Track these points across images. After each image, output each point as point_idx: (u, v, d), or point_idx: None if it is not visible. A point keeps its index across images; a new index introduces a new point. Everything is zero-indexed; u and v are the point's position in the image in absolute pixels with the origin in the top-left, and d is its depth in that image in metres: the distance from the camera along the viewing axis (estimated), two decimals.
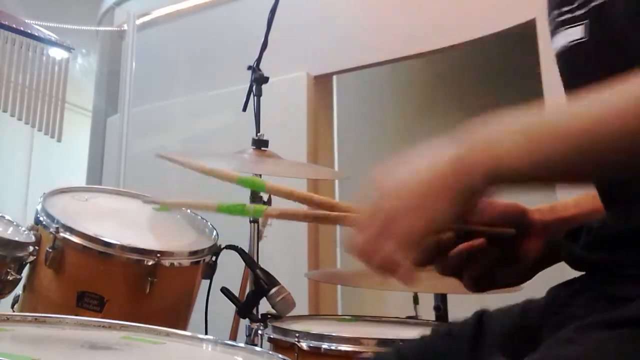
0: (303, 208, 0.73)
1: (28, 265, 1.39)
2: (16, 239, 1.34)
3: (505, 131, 0.59)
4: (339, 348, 1.14)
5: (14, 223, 1.44)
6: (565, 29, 0.68)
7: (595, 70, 0.67)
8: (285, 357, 0.77)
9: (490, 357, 0.69)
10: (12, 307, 1.45)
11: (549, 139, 0.57)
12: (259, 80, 1.73)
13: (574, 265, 0.66)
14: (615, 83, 0.53)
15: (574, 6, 0.67)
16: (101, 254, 1.35)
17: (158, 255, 1.36)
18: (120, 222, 1.54)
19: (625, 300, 0.54)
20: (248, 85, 1.75)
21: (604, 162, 0.55)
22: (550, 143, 0.56)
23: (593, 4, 0.64)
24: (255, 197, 1.59)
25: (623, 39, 0.62)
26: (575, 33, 0.67)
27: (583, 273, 0.66)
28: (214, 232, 1.57)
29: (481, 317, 0.75)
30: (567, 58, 0.70)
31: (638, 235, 0.58)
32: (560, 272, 0.72)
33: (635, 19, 0.60)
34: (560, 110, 0.61)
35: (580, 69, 0.69)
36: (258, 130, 1.67)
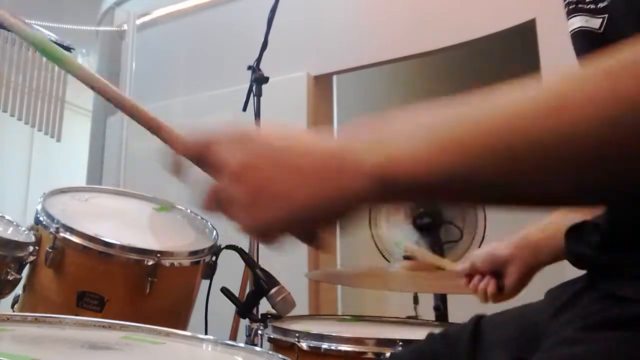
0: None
1: (28, 265, 1.39)
2: (16, 239, 1.34)
3: (407, 127, 0.48)
4: (339, 348, 1.13)
5: (14, 223, 1.44)
6: (584, 15, 0.66)
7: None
8: (285, 357, 0.77)
9: (493, 355, 0.69)
10: (12, 307, 1.45)
11: (462, 137, 0.44)
12: (259, 80, 1.73)
13: (578, 264, 0.66)
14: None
15: None
16: (101, 254, 1.35)
17: (158, 255, 1.36)
18: (120, 222, 1.54)
19: (632, 301, 0.54)
20: (248, 85, 1.75)
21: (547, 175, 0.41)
22: (462, 144, 0.43)
23: None
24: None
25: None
26: (594, 23, 0.65)
27: (585, 272, 0.65)
28: (214, 232, 1.57)
29: (478, 321, 0.75)
30: (579, 40, 0.68)
31: None
32: (561, 273, 0.72)
33: None
34: (486, 102, 0.45)
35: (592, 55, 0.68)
36: None
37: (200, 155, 0.55)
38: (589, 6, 0.64)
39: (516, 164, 0.41)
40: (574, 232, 0.67)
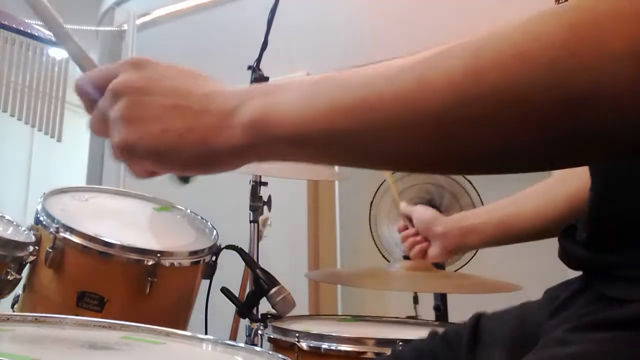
0: None
1: (28, 265, 1.39)
2: (16, 239, 1.34)
3: (289, 82, 0.48)
4: (339, 348, 1.13)
5: (14, 223, 1.44)
6: None
7: None
8: (285, 357, 0.77)
9: (488, 355, 0.69)
10: (12, 307, 1.45)
11: (330, 88, 0.45)
12: (259, 80, 1.73)
13: (571, 265, 0.66)
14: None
15: None
16: (101, 254, 1.35)
17: (158, 255, 1.36)
18: (120, 222, 1.54)
19: (624, 302, 0.54)
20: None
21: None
22: (330, 93, 0.45)
23: None
24: (255, 198, 1.59)
25: None
26: None
27: (581, 273, 0.65)
28: (214, 232, 1.57)
29: (478, 320, 0.75)
30: None
31: (638, 236, 0.57)
32: (561, 272, 0.72)
33: None
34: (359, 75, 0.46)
35: None
36: None
37: (101, 82, 0.55)
38: None
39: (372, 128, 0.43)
40: (568, 231, 0.67)
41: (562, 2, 0.58)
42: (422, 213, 1.22)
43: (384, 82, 0.43)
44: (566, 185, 0.90)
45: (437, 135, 0.41)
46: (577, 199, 0.84)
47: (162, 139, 0.49)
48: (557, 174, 0.97)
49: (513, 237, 1.03)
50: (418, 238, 1.20)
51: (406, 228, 1.25)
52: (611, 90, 0.36)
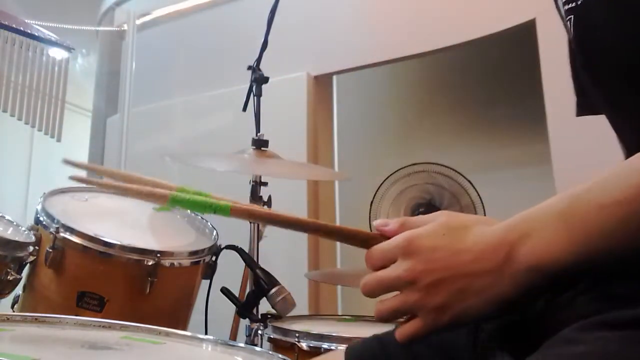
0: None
1: (28, 265, 1.39)
2: (16, 239, 1.34)
3: (543, 218, 0.54)
4: (339, 348, 1.13)
5: (14, 223, 1.44)
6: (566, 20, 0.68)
7: (581, 68, 0.68)
8: (285, 357, 0.77)
9: (492, 354, 0.69)
10: (12, 307, 1.45)
11: (590, 217, 0.51)
12: (259, 80, 1.73)
13: None
14: None
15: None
16: (101, 254, 1.35)
17: (158, 255, 1.36)
18: (120, 222, 1.54)
19: (630, 300, 0.54)
20: (248, 85, 1.75)
21: None
22: (593, 222, 0.51)
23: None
24: (255, 198, 1.59)
25: (600, 40, 0.62)
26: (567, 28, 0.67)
27: None
28: (214, 232, 1.57)
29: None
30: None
31: None
32: None
33: (611, 20, 0.60)
34: (600, 181, 0.53)
35: (574, 64, 0.70)
36: (258, 130, 1.67)
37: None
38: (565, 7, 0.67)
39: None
40: None
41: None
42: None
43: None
44: None
45: None
46: None
47: (468, 312, 0.56)
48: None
49: None
50: None
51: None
52: None
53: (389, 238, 0.61)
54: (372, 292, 0.61)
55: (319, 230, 0.67)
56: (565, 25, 0.69)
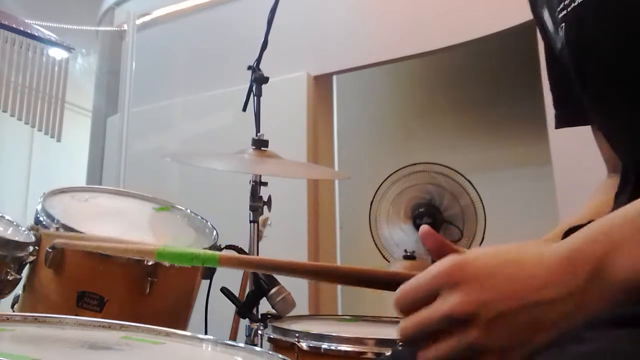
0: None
1: (28, 265, 1.39)
2: (16, 239, 1.34)
3: (626, 231, 0.48)
4: (339, 348, 1.13)
5: (14, 223, 1.44)
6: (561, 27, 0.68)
7: (575, 74, 0.68)
8: (285, 357, 0.77)
9: None
10: (12, 307, 1.45)
11: None
12: (259, 80, 1.72)
13: None
14: None
15: (559, 7, 0.67)
16: (101, 254, 1.35)
17: None
18: (120, 222, 1.54)
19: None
20: (248, 85, 1.75)
21: None
22: None
23: (573, 5, 0.65)
24: (255, 198, 1.59)
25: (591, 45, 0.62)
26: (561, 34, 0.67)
27: None
28: (214, 232, 1.57)
29: None
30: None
31: None
32: None
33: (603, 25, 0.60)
34: None
35: (569, 68, 0.70)
36: (258, 130, 1.67)
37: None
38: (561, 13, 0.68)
39: None
40: (573, 232, 0.67)
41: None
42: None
43: None
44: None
45: None
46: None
47: (535, 343, 0.49)
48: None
49: None
50: None
51: None
52: None
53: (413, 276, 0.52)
54: (414, 340, 0.52)
55: (319, 275, 0.60)
56: (550, 34, 0.69)
